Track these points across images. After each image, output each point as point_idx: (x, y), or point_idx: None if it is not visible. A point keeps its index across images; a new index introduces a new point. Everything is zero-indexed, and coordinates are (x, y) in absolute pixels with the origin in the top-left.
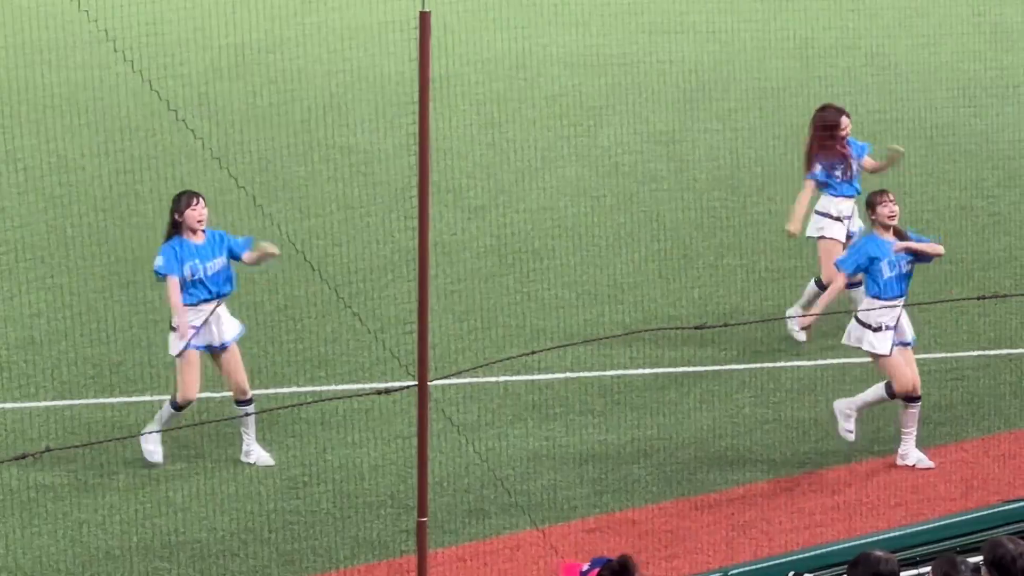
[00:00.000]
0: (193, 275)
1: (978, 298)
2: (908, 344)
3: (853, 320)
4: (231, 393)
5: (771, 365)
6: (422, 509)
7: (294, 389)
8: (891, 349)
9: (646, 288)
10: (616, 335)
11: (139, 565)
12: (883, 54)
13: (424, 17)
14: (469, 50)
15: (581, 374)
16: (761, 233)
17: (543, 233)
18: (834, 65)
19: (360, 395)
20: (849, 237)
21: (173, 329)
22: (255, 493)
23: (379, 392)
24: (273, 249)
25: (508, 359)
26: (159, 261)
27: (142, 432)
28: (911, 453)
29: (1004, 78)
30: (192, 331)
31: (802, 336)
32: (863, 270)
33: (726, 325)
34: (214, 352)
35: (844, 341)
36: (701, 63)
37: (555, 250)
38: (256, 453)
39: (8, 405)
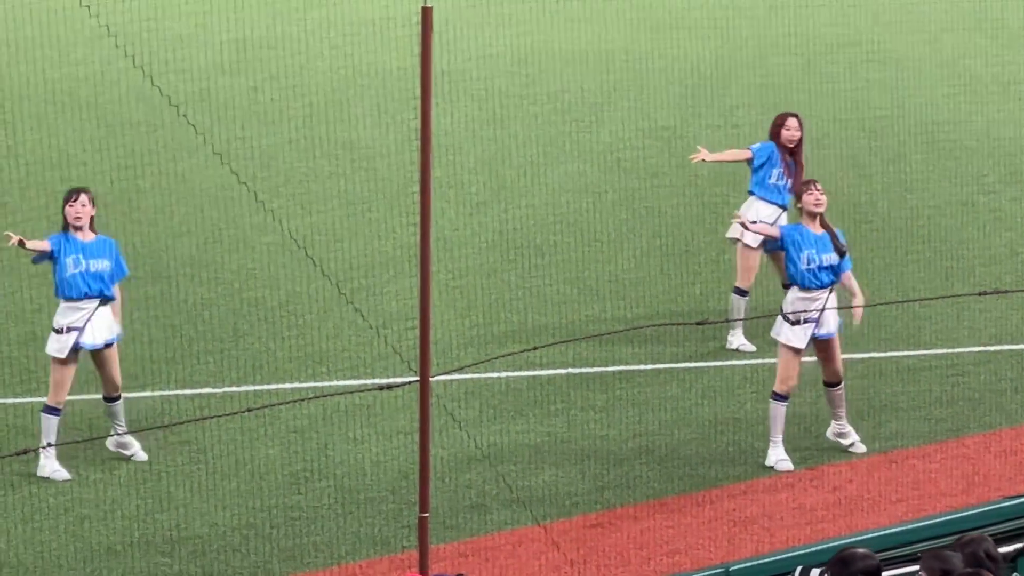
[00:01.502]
0: (75, 267)
1: (979, 294)
2: (831, 335)
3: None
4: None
5: (773, 360)
6: (424, 504)
7: (296, 385)
8: (806, 344)
9: (648, 284)
10: (618, 331)
11: (140, 561)
12: (884, 50)
13: (426, 12)
14: (471, 46)
15: (583, 370)
16: None
17: (545, 229)
18: (835, 61)
19: (362, 391)
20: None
21: (55, 331)
22: (256, 489)
23: (381, 388)
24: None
25: (510, 355)
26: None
27: (39, 447)
28: (773, 454)
29: (1005, 74)
30: (75, 332)
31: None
32: (779, 249)
33: (728, 321)
34: (93, 351)
35: (771, 334)
36: (703, 59)
37: (557, 246)
38: (136, 446)
39: (9, 400)
